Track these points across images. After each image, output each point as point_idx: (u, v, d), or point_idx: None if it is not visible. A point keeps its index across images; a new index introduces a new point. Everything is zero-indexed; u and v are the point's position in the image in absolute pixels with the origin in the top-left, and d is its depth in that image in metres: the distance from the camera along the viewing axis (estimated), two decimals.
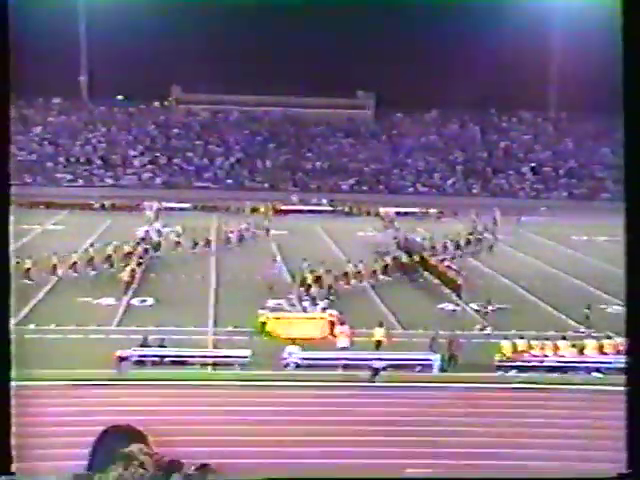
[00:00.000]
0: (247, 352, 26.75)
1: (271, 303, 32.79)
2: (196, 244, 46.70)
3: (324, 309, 31.81)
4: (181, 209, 63.18)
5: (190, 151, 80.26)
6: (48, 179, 73.18)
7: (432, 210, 65.21)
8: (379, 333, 28.42)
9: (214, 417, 22.22)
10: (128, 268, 37.79)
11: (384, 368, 26.12)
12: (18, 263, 34.43)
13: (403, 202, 67.02)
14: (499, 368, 26.91)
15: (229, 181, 76.61)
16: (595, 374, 26.83)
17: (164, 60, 74.59)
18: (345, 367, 26.56)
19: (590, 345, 27.93)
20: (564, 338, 28.75)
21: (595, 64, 61.67)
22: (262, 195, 68.87)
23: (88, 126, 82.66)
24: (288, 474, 17.88)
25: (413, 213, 63.51)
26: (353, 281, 38.52)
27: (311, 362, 26.73)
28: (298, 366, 26.56)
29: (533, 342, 27.91)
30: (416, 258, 43.75)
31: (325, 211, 66.43)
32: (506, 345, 27.49)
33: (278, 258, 43.00)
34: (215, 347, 28.37)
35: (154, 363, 26.35)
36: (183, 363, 26.51)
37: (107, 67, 73.90)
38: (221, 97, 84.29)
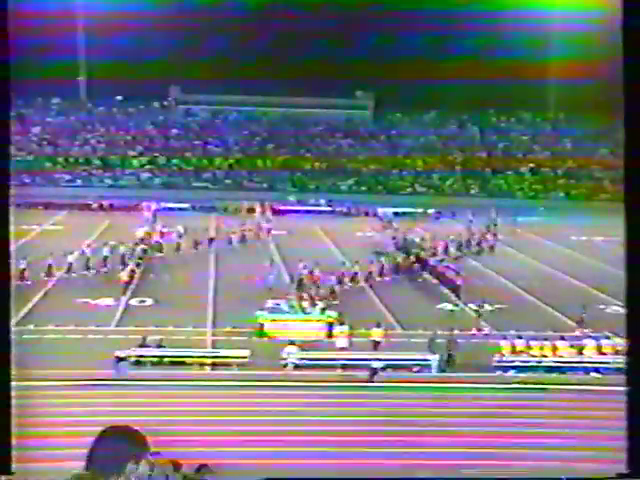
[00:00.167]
0: (246, 352, 26.76)
1: (270, 304, 32.76)
2: (197, 244, 46.72)
3: (323, 310, 31.81)
4: (180, 209, 63.19)
5: (189, 151, 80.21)
6: (47, 179, 73.13)
7: (430, 210, 65.24)
8: (376, 333, 28.46)
9: (213, 418, 22.21)
10: (127, 268, 37.79)
11: (383, 368, 26.14)
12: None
13: (402, 202, 67.05)
14: (498, 368, 26.93)
15: (228, 181, 76.58)
16: (594, 374, 26.85)
17: (163, 60, 74.53)
18: (344, 367, 26.57)
19: (589, 345, 27.95)
20: (563, 338, 28.77)
21: (594, 65, 61.73)
22: (261, 195, 68.80)
23: (87, 126, 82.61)
24: (287, 474, 17.89)
25: (412, 213, 63.51)
26: (350, 282, 38.45)
27: (310, 362, 26.74)
28: (297, 366, 26.56)
29: (532, 342, 27.93)
30: (412, 258, 43.78)
31: (324, 211, 66.43)
32: (505, 345, 27.51)
33: (275, 259, 42.84)
34: (214, 347, 28.38)
35: (153, 363, 26.35)
36: (182, 363, 26.52)
37: (106, 67, 73.87)
38: (220, 97, 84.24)
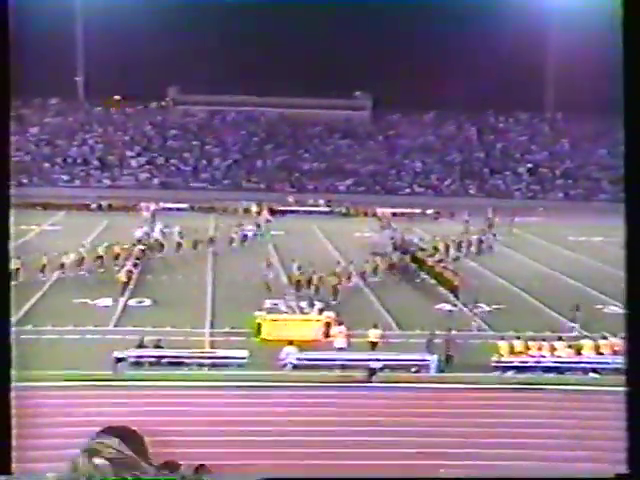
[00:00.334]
0: (244, 353, 26.75)
1: (268, 304, 32.75)
2: (197, 244, 46.71)
3: (321, 310, 31.80)
4: (178, 209, 63.21)
5: (187, 152, 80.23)
6: (45, 180, 73.16)
7: (429, 211, 65.29)
8: (374, 334, 28.46)
9: (211, 418, 22.20)
10: (125, 269, 37.77)
11: (381, 369, 26.14)
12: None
13: (400, 203, 67.09)
14: (496, 369, 26.93)
15: (226, 182, 76.60)
16: (592, 374, 26.86)
17: (161, 61, 74.55)
18: (342, 368, 26.57)
19: (587, 346, 27.96)
20: (561, 339, 28.78)
21: (592, 65, 61.78)
22: (259, 196, 68.82)
23: (85, 127, 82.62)
24: (285, 474, 17.87)
25: (410, 214, 63.55)
26: (345, 282, 38.37)
27: (308, 363, 26.74)
28: (295, 367, 26.55)
29: (530, 342, 27.94)
30: (408, 259, 43.81)
31: (322, 212, 66.45)
32: (503, 346, 27.52)
33: (272, 261, 42.64)
34: (212, 348, 28.38)
35: (151, 364, 26.34)
36: (180, 364, 26.50)
37: (104, 68, 73.88)
38: (218, 98, 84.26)
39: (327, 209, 67.30)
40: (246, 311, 31.40)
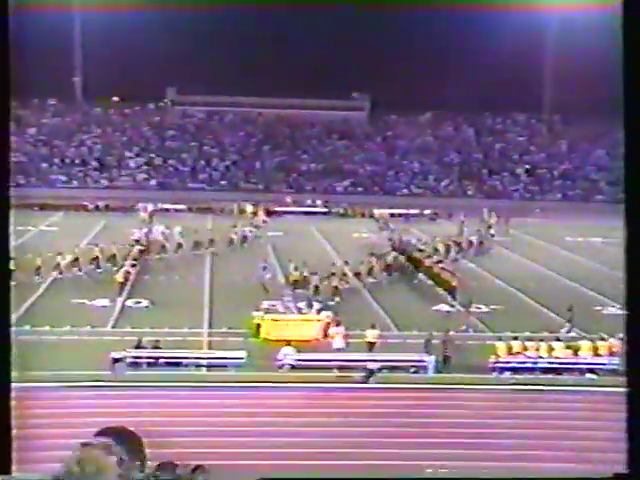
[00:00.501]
0: (242, 354, 26.74)
1: (266, 304, 32.73)
2: (197, 245, 46.68)
3: (319, 311, 31.80)
4: (176, 210, 63.19)
5: (185, 152, 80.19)
6: (42, 180, 73.08)
7: (427, 211, 65.32)
8: (371, 335, 28.45)
9: (209, 419, 22.20)
10: (123, 269, 37.74)
11: (379, 369, 26.15)
12: None
13: (398, 203, 67.11)
14: (493, 369, 26.94)
15: (224, 182, 76.58)
16: (589, 375, 26.88)
17: (159, 61, 74.50)
18: (340, 368, 26.57)
19: (584, 346, 27.98)
20: (558, 339, 28.79)
21: (589, 66, 61.84)
22: (257, 197, 68.81)
23: (83, 127, 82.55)
24: (283, 475, 17.88)
25: (408, 214, 63.58)
26: (343, 282, 38.33)
27: (306, 363, 26.73)
28: (293, 367, 26.55)
29: (527, 343, 27.95)
30: (405, 259, 43.86)
31: (320, 212, 66.45)
32: (501, 346, 27.53)
33: (268, 262, 42.40)
34: (210, 348, 28.37)
35: (149, 365, 26.32)
36: (178, 365, 26.49)
37: (102, 68, 73.81)
38: (216, 98, 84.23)
39: (325, 210, 67.32)
40: (244, 312, 31.39)
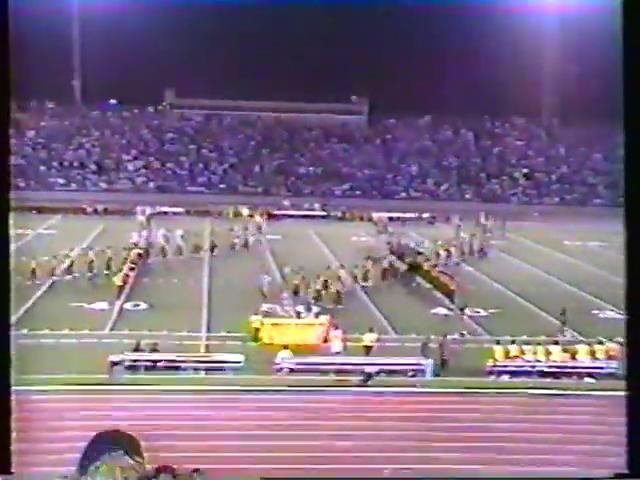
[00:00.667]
0: (240, 357, 26.73)
1: (264, 308, 32.70)
2: (198, 249, 46.64)
3: (317, 314, 31.79)
4: (174, 213, 63.19)
5: (183, 156, 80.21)
6: (41, 183, 73.04)
7: (425, 215, 65.38)
8: (369, 338, 28.44)
9: (207, 422, 22.18)
10: (121, 272, 37.72)
11: (377, 373, 26.14)
12: None
13: (396, 207, 67.14)
14: (491, 373, 26.93)
15: (222, 186, 76.59)
16: (587, 379, 26.88)
17: (158, 64, 74.55)
18: (338, 372, 26.55)
19: (582, 350, 27.98)
20: (556, 343, 28.79)
21: (589, 70, 61.95)
22: (255, 200, 68.84)
23: (81, 130, 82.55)
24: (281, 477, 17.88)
25: (406, 218, 63.61)
26: (340, 286, 38.32)
27: (304, 367, 26.71)
28: (291, 371, 26.54)
29: (525, 347, 27.95)
30: (404, 263, 43.87)
31: (318, 216, 66.46)
32: (498, 350, 27.51)
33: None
34: (208, 352, 28.35)
35: (147, 368, 26.30)
36: (176, 368, 26.47)
37: (101, 71, 73.85)
38: (215, 102, 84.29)
39: (323, 213, 67.34)
40: (242, 315, 31.38)
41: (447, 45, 75.91)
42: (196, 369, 26.66)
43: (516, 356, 27.46)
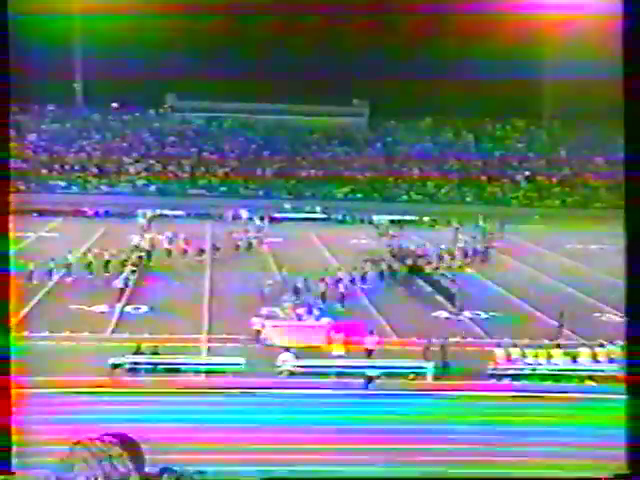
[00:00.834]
0: (241, 360, 26.72)
1: (266, 311, 32.69)
2: (202, 251, 46.66)
3: (319, 317, 31.77)
4: (175, 216, 63.19)
5: (185, 158, 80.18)
6: (42, 186, 73.02)
7: (426, 218, 65.35)
8: (370, 341, 28.43)
9: (207, 425, 22.17)
10: (122, 275, 37.72)
11: (378, 376, 26.13)
12: None
13: (397, 210, 67.11)
14: (492, 376, 26.91)
15: (223, 189, 76.57)
16: (588, 382, 26.85)
17: (159, 67, 74.54)
18: (339, 375, 26.55)
19: (583, 353, 27.96)
20: (558, 346, 28.78)
21: (589, 72, 61.92)
22: (257, 203, 68.81)
23: (83, 133, 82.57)
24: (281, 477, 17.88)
25: (407, 221, 63.58)
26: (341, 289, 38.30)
27: (305, 370, 26.71)
28: (292, 374, 26.53)
29: (526, 350, 27.94)
30: (404, 265, 43.91)
31: (319, 219, 66.43)
32: (499, 353, 27.50)
33: (268, 265, 42.30)
34: (209, 354, 28.35)
35: (148, 370, 26.29)
36: (177, 370, 26.47)
37: (102, 74, 73.88)
38: (216, 105, 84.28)
39: (324, 216, 67.31)
40: (244, 318, 31.38)
41: (448, 47, 75.89)
42: (197, 372, 26.67)
43: (517, 359, 27.45)
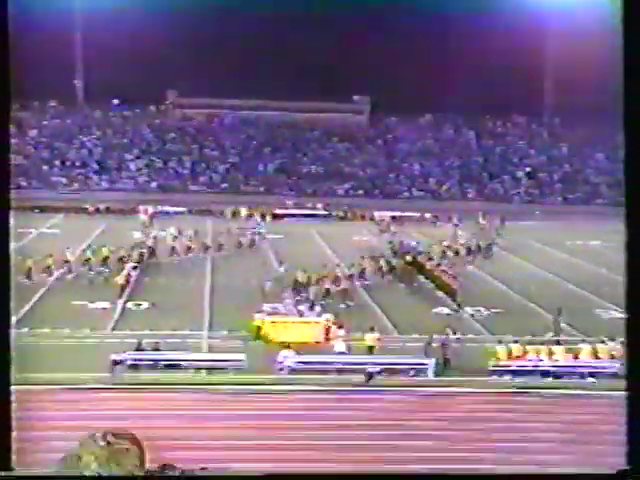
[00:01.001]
0: (242, 356, 26.73)
1: (267, 307, 32.68)
2: (207, 248, 46.64)
3: (320, 313, 31.76)
4: (176, 213, 63.20)
5: (186, 155, 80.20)
6: (43, 183, 73.06)
7: (427, 215, 65.33)
8: (371, 338, 28.42)
9: (208, 421, 22.19)
10: (123, 272, 37.73)
11: (379, 372, 26.13)
12: None
13: (398, 206, 67.11)
14: (493, 373, 26.91)
15: (224, 185, 76.58)
16: (589, 379, 26.86)
17: (160, 64, 74.54)
18: (340, 371, 26.55)
19: (584, 350, 27.96)
20: (558, 343, 28.77)
21: (590, 69, 61.88)
22: (257, 199, 68.85)
23: (83, 130, 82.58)
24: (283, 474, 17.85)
25: (408, 217, 63.60)
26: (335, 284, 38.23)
27: (306, 366, 26.71)
28: (293, 370, 26.53)
29: (528, 347, 27.93)
30: (405, 262, 43.89)
31: (320, 215, 66.44)
32: (501, 350, 27.49)
33: (268, 261, 42.35)
34: (210, 351, 28.37)
35: (149, 367, 26.31)
36: (178, 367, 26.48)
37: (103, 70, 73.85)
38: (217, 101, 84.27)
39: (325, 213, 67.31)
40: (245, 314, 31.38)
41: (448, 44, 75.83)
42: (198, 368, 26.68)
43: (518, 356, 27.45)
